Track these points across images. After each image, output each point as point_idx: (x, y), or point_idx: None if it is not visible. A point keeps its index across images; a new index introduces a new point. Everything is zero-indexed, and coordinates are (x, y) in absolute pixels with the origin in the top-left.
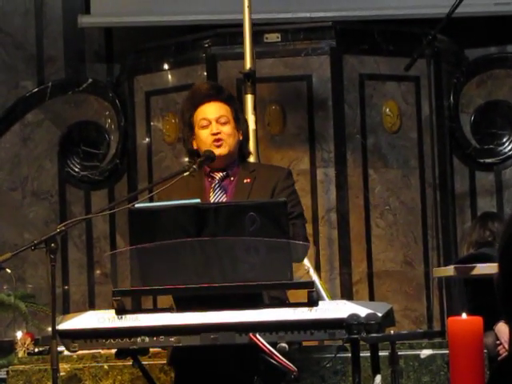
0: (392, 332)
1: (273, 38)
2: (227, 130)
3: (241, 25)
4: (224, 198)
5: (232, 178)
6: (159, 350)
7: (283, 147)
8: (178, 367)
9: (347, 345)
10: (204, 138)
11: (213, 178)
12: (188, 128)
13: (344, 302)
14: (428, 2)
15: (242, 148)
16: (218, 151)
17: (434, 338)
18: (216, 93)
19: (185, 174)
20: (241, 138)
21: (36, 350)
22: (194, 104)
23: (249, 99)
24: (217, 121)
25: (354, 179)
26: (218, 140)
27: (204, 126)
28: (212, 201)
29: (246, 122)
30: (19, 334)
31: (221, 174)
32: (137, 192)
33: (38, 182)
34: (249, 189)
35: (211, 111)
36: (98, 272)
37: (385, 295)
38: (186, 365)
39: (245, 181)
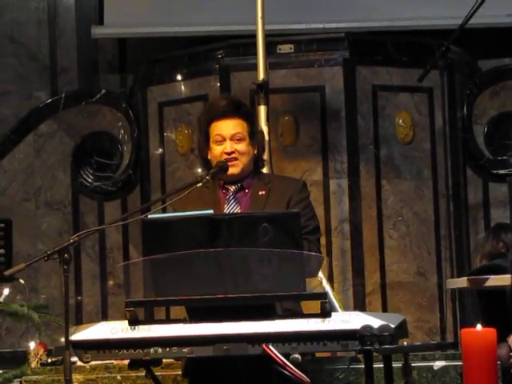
0: (405, 343)
1: (286, 48)
2: (241, 147)
3: (254, 36)
4: (238, 210)
5: (247, 191)
6: (172, 360)
7: (296, 158)
8: (192, 379)
9: (360, 356)
10: (217, 154)
11: (227, 189)
12: (204, 138)
13: (357, 313)
14: (441, 14)
15: (257, 160)
16: (230, 170)
17: (447, 349)
18: (233, 109)
19: (198, 185)
20: (256, 152)
21: (49, 360)
22: (210, 117)
23: (262, 110)
24: (231, 138)
25: (367, 190)
26: (232, 159)
27: (218, 142)
28: (226, 212)
29: (262, 134)
30: (32, 345)
31: (235, 186)
32: (150, 203)
33: (52, 192)
34: (264, 201)
35: (226, 128)
36: (111, 283)
37: (398, 306)
38: (199, 376)
39: (260, 193)
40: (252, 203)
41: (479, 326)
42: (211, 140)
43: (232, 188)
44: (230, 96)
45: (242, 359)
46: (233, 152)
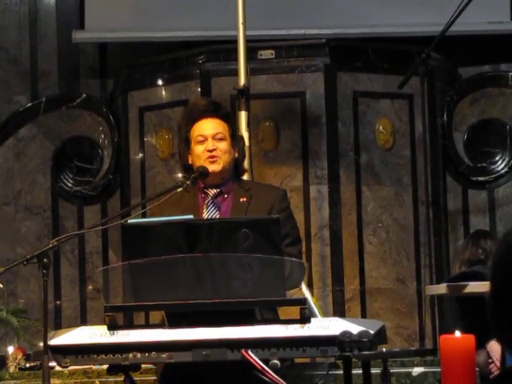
0: (384, 349)
1: (267, 54)
2: (223, 146)
3: (235, 41)
4: (217, 215)
5: (226, 196)
6: (151, 365)
7: (277, 164)
8: None
9: (339, 362)
10: (199, 153)
11: (206, 194)
12: (184, 143)
13: (336, 319)
14: (422, 21)
15: (237, 166)
16: (212, 167)
17: (425, 355)
18: (214, 109)
19: (178, 189)
20: (236, 155)
21: (27, 365)
22: (191, 119)
23: (243, 115)
24: (213, 137)
25: (347, 196)
26: (213, 156)
27: (200, 142)
28: (205, 217)
29: (242, 139)
30: (11, 349)
31: (215, 190)
32: (130, 207)
33: (31, 196)
34: (245, 208)
35: (208, 128)
36: (90, 287)
37: (377, 312)
38: (176, 383)
39: (241, 200)
40: (233, 210)
41: (458, 333)
42: (192, 141)
43: (211, 192)
44: (208, 98)
45: (221, 365)
46: (214, 149)
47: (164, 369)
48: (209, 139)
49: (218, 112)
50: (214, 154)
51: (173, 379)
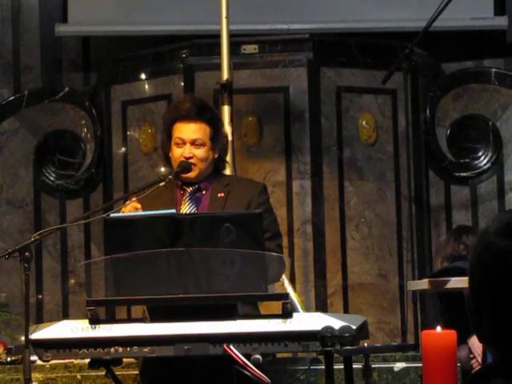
0: (366, 345)
1: (250, 49)
2: (200, 153)
3: (218, 35)
4: (194, 210)
5: (204, 192)
6: (132, 360)
7: (259, 158)
8: (150, 381)
9: (321, 357)
10: (176, 156)
11: (185, 190)
12: (166, 136)
13: (318, 314)
14: (405, 16)
15: (217, 163)
16: (187, 174)
17: (407, 351)
18: (197, 112)
19: (161, 184)
20: (216, 156)
21: (9, 359)
22: (173, 118)
23: (225, 110)
24: (191, 143)
25: (330, 191)
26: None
27: (178, 144)
28: (183, 212)
29: (225, 137)
30: None
31: (192, 187)
32: (112, 201)
33: (13, 190)
34: (223, 203)
35: (187, 132)
36: (72, 281)
37: (359, 308)
38: (157, 378)
39: (219, 195)
40: (211, 205)
41: (439, 328)
42: (172, 141)
43: (189, 189)
44: (195, 98)
45: (202, 359)
46: (191, 157)
47: (144, 363)
48: (187, 144)
49: (201, 115)
50: (190, 161)
51: (154, 374)
